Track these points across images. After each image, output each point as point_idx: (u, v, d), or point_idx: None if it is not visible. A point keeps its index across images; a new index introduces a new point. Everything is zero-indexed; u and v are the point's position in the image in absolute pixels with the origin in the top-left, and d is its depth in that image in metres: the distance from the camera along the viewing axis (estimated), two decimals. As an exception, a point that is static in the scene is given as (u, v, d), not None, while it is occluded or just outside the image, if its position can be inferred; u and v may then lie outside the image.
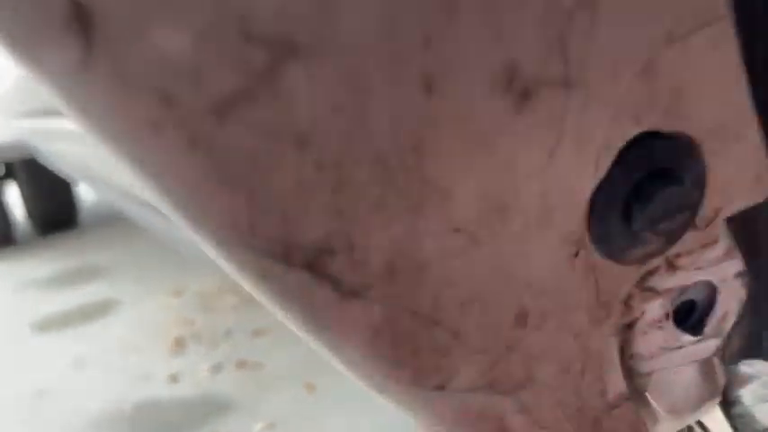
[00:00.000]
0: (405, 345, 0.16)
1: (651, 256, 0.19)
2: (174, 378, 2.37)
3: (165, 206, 0.14)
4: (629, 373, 0.22)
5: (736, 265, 0.22)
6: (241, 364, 2.37)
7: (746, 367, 0.27)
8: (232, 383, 2.26)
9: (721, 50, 0.17)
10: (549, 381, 0.19)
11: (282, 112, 0.13)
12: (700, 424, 0.31)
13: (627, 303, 0.21)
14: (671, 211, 0.18)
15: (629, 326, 0.21)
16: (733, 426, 0.30)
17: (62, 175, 2.84)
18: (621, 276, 0.19)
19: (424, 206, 0.15)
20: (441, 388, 0.17)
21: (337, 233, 0.14)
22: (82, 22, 0.11)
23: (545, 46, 0.15)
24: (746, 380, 0.28)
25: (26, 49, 0.12)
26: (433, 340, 0.17)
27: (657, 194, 0.18)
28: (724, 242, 0.21)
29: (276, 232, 0.13)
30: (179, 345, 2.55)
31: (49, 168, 2.46)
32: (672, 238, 0.19)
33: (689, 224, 0.19)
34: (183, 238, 1.28)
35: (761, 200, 0.20)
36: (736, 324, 0.24)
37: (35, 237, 4.12)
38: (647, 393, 0.23)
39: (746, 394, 0.29)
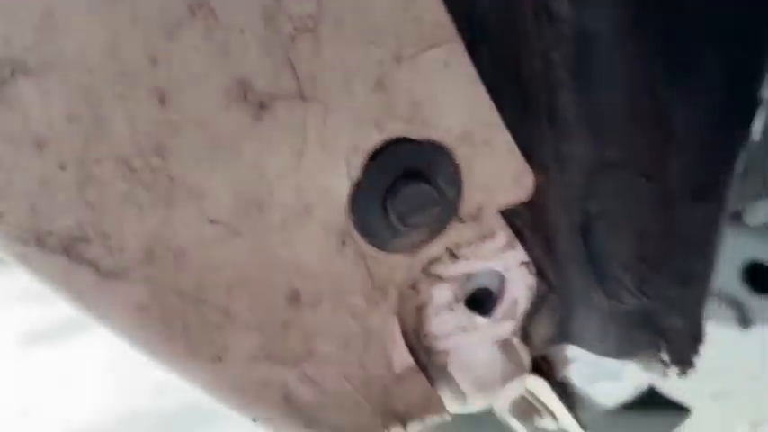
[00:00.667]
0: (174, 320, 0.19)
1: (417, 246, 0.22)
2: (159, 390, 2.38)
3: None
4: (427, 350, 0.25)
5: (519, 255, 0.25)
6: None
7: (565, 350, 0.30)
8: (215, 394, 2.26)
9: (453, 68, 0.20)
10: (331, 355, 0.22)
11: (18, 121, 0.16)
12: (543, 405, 0.34)
13: (414, 287, 0.24)
14: (420, 206, 0.21)
15: (420, 308, 0.24)
16: (570, 405, 0.33)
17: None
18: (395, 263, 0.22)
19: (175, 200, 0.18)
20: (218, 359, 0.20)
21: (89, 223, 0.17)
22: None
23: (273, 65, 0.18)
24: (568, 361, 0.30)
25: None
26: (203, 317, 0.20)
27: (403, 191, 0.20)
28: (503, 234, 0.24)
29: (27, 221, 0.16)
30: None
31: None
32: (433, 230, 0.22)
33: (447, 218, 0.22)
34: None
35: (524, 198, 0.23)
36: (540, 309, 0.27)
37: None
38: (449, 369, 0.26)
39: (574, 375, 0.31)
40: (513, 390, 0.28)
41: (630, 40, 0.21)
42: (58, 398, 2.38)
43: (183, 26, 0.17)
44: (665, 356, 0.26)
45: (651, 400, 0.58)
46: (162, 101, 0.17)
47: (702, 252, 0.24)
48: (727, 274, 0.94)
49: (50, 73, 0.16)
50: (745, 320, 0.91)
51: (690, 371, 0.26)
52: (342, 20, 0.18)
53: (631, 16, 0.21)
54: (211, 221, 0.19)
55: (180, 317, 0.19)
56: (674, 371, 0.26)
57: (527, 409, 0.35)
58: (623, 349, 0.26)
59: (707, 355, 0.27)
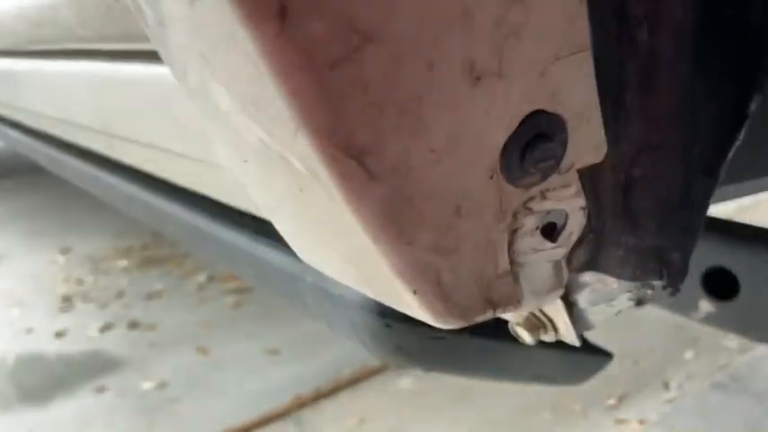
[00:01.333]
0: (395, 214, 0.29)
1: (532, 185, 0.33)
2: (60, 334, 2.34)
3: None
4: (512, 261, 0.36)
5: (581, 201, 0.36)
6: (133, 325, 2.37)
7: (583, 277, 0.41)
8: (122, 343, 2.26)
9: (583, 69, 0.31)
10: (469, 253, 0.32)
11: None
12: (547, 317, 0.46)
13: (515, 216, 0.34)
14: (545, 158, 0.31)
15: (515, 231, 0.35)
16: (573, 322, 0.45)
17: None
18: (515, 195, 0.33)
19: (417, 134, 0.27)
20: (411, 243, 0.30)
21: (374, 141, 0.26)
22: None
23: (490, 52, 0.28)
24: (581, 287, 0.42)
25: None
26: (409, 215, 0.29)
27: (538, 147, 0.31)
28: (575, 186, 0.35)
29: (344, 137, 0.25)
30: (66, 302, 2.51)
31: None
32: (545, 175, 0.33)
33: (554, 169, 0.33)
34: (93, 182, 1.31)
35: (599, 160, 0.34)
36: (581, 243, 0.38)
37: None
38: (520, 277, 0.36)
39: (581, 299, 0.43)
40: (552, 299, 0.39)
41: (686, 59, 0.33)
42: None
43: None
44: (665, 281, 0.38)
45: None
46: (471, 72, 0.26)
47: (700, 210, 0.37)
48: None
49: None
50: (639, 301, 1.08)
51: (677, 293, 0.39)
52: (538, 28, 0.28)
53: (688, 42, 0.33)
54: (431, 150, 0.28)
55: (398, 212, 0.29)
56: (668, 291, 0.38)
57: (537, 324, 0.46)
58: (637, 275, 0.38)
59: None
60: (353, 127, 0.26)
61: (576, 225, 0.37)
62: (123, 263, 2.73)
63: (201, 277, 2.50)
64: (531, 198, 0.34)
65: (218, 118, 0.32)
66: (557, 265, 0.38)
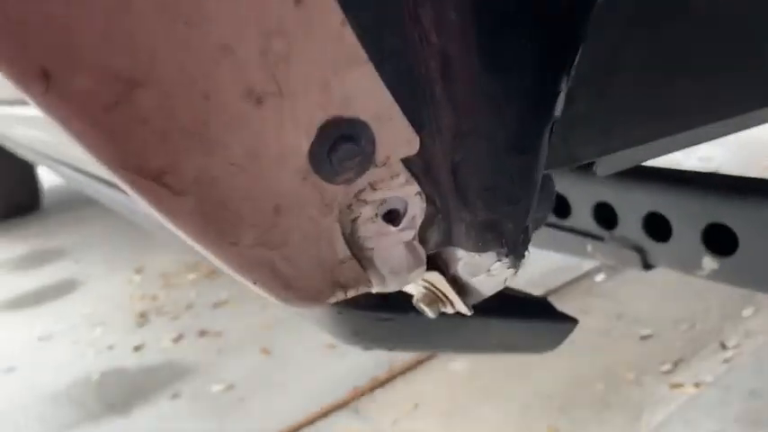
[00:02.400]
0: (210, 220, 0.34)
1: (349, 180, 0.38)
2: (138, 348, 2.52)
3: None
4: (360, 248, 0.41)
5: (415, 188, 0.41)
6: (202, 334, 2.52)
7: (454, 252, 0.46)
8: (193, 351, 2.42)
9: (367, 80, 0.35)
10: (300, 243, 0.38)
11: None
12: (444, 295, 0.50)
13: (350, 207, 0.39)
14: (349, 157, 0.36)
15: (354, 220, 0.40)
16: (460, 294, 0.49)
17: (24, 159, 2.92)
18: (336, 191, 0.38)
19: (212, 152, 0.33)
20: (234, 244, 0.36)
21: (167, 164, 0.32)
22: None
23: (265, 77, 0.33)
24: (455, 261, 0.47)
25: None
26: (226, 219, 0.35)
27: (340, 148, 0.36)
28: (404, 175, 0.40)
29: (135, 164, 0.31)
30: (142, 318, 2.69)
31: (11, 152, 2.57)
32: (358, 171, 0.38)
33: (366, 164, 0.38)
34: (144, 214, 1.44)
35: (414, 152, 0.39)
36: (432, 223, 0.43)
37: (-3, 221, 4.16)
38: (374, 260, 0.41)
39: (460, 270, 0.48)
40: (416, 276, 0.44)
41: (473, 56, 0.37)
42: (41, 359, 2.49)
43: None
44: (506, 249, 0.42)
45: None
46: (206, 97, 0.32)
47: (524, 184, 0.40)
48: (631, 224, 1.13)
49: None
50: (647, 264, 1.10)
51: (521, 260, 0.43)
52: (302, 52, 0.33)
53: (473, 42, 0.37)
54: (232, 164, 0.34)
55: (213, 218, 0.35)
56: (510, 259, 0.42)
57: (434, 299, 0.51)
58: (480, 246, 0.42)
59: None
60: (143, 154, 0.32)
61: (416, 209, 0.42)
62: (192, 276, 2.91)
63: (262, 283, 2.62)
64: (361, 190, 0.39)
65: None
66: (409, 245, 0.43)
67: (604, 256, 1.10)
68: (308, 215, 0.38)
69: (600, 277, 2.36)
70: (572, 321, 0.76)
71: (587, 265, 2.40)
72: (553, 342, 0.75)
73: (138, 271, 3.03)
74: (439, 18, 0.36)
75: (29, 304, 3.05)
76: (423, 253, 0.43)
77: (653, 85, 0.48)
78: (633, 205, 1.03)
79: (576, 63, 0.39)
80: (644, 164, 0.70)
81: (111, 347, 2.49)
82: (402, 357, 2.04)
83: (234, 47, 0.32)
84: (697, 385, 1.72)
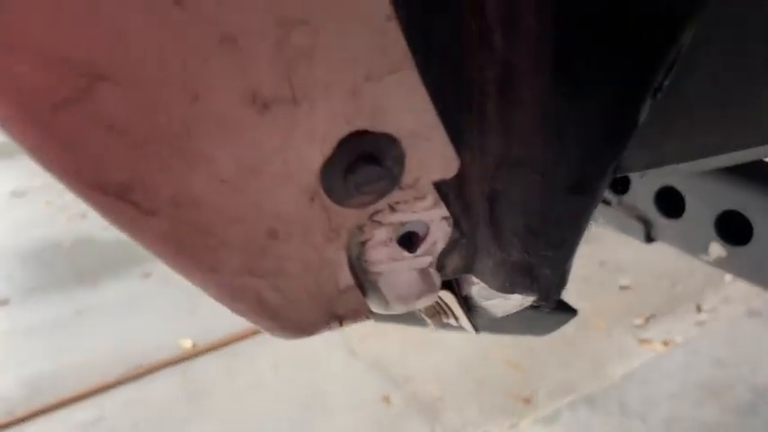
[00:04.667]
0: (186, 245, 0.27)
1: (366, 204, 0.30)
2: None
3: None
4: (365, 272, 0.34)
5: (441, 212, 0.33)
6: (178, 215, 2.45)
7: (470, 277, 0.39)
8: (168, 231, 2.37)
9: (407, 87, 0.27)
10: (296, 273, 0.31)
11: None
12: (446, 305, 0.44)
13: (361, 229, 0.32)
14: (368, 181, 0.28)
15: (363, 243, 0.33)
16: (467, 313, 0.43)
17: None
18: (347, 214, 0.30)
19: (195, 166, 0.25)
20: (215, 270, 0.29)
21: (135, 178, 0.24)
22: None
23: (276, 78, 0.25)
24: (471, 284, 0.40)
25: None
26: (207, 243, 0.27)
27: (359, 170, 0.28)
28: (431, 197, 0.32)
29: (93, 176, 0.23)
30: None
31: None
32: (381, 194, 0.30)
33: (390, 188, 0.30)
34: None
35: (450, 176, 0.31)
36: (454, 248, 0.36)
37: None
38: (380, 285, 0.35)
39: (474, 294, 0.41)
40: (426, 303, 0.37)
41: (546, 72, 0.28)
42: (14, 213, 2.42)
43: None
44: (536, 296, 0.35)
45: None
46: (196, 98, 0.24)
47: (573, 228, 0.33)
48: (643, 194, 1.06)
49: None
50: (649, 237, 1.04)
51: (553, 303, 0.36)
52: (330, 49, 0.25)
53: (550, 55, 0.28)
54: (222, 181, 0.26)
55: (190, 242, 0.27)
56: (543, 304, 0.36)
57: (437, 310, 0.45)
58: (507, 287, 0.35)
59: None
60: (103, 166, 0.24)
61: (439, 234, 0.34)
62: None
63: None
64: (378, 211, 0.32)
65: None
66: (423, 272, 0.36)
67: (606, 220, 1.04)
68: (310, 242, 0.30)
69: (589, 218, 2.32)
70: (571, 312, 0.71)
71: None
72: (546, 329, 0.70)
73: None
74: (510, 16, 0.27)
75: (4, 155, 2.95)
76: (438, 280, 0.36)
77: (731, 91, 0.40)
78: (648, 176, 0.97)
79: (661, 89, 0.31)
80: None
81: (83, 216, 2.43)
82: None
83: (238, 38, 0.23)
84: (665, 343, 1.73)
